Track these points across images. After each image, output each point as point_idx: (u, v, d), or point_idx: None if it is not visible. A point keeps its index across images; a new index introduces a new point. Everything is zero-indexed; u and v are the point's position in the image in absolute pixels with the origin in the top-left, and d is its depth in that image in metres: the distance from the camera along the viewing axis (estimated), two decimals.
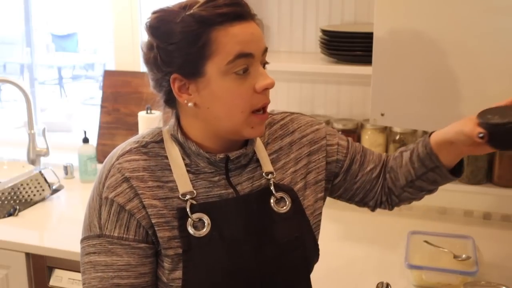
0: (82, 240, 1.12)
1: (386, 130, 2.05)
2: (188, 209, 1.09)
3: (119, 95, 2.49)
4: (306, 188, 1.22)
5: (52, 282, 1.90)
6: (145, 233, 1.09)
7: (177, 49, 1.05)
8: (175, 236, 1.08)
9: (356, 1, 2.06)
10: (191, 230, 1.08)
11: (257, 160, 1.18)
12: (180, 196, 1.10)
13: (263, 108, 1.10)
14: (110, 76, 2.53)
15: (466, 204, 2.06)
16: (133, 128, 2.40)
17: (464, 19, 1.48)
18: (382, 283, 1.49)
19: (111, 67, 2.64)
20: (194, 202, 1.10)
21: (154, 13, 1.09)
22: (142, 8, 2.51)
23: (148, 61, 1.10)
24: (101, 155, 2.48)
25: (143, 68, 2.56)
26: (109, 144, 2.50)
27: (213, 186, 1.13)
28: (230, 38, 1.04)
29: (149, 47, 1.09)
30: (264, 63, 1.11)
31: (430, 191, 1.29)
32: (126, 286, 1.08)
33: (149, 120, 2.26)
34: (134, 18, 2.50)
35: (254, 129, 1.10)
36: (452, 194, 2.05)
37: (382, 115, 1.61)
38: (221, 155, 1.12)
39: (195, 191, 1.11)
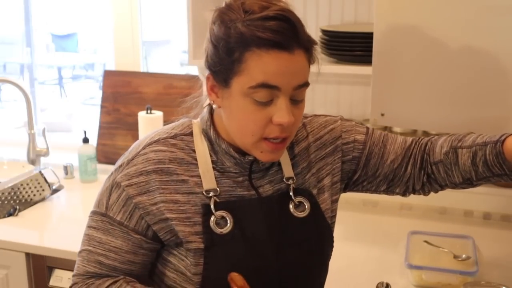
0: (91, 213, 1.15)
1: (386, 130, 2.05)
2: (212, 206, 1.09)
3: (119, 95, 2.49)
4: (324, 191, 1.22)
5: (52, 282, 1.90)
6: (146, 227, 1.11)
7: (217, 53, 1.05)
8: (197, 232, 1.09)
9: (356, 1, 2.06)
10: (213, 227, 1.09)
11: (279, 164, 1.18)
12: (204, 192, 1.10)
13: (277, 140, 1.07)
14: (110, 76, 2.53)
15: (466, 204, 2.06)
16: (133, 128, 2.40)
17: (465, 19, 1.48)
18: (382, 283, 1.49)
19: (111, 67, 2.64)
20: (217, 199, 1.10)
21: (224, 5, 1.07)
22: (142, 8, 2.51)
23: (205, 47, 1.10)
24: (101, 155, 2.48)
25: (143, 68, 2.57)
26: (109, 144, 2.50)
27: (236, 186, 1.13)
28: (260, 65, 1.01)
29: (208, 37, 1.09)
30: (296, 99, 1.06)
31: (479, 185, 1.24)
32: (108, 266, 1.12)
33: (149, 120, 2.26)
34: (134, 18, 2.51)
35: (263, 154, 1.08)
36: (452, 194, 2.05)
37: (382, 115, 1.61)
38: (250, 157, 1.12)
39: (218, 189, 1.11)
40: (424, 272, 1.60)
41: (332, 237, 1.23)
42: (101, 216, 1.12)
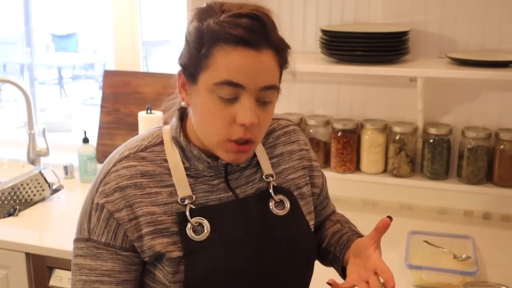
0: (74, 241, 1.12)
1: (386, 130, 2.05)
2: (187, 214, 1.08)
3: (119, 95, 2.49)
4: (302, 198, 1.22)
5: (52, 282, 1.90)
6: (131, 242, 1.08)
7: (188, 49, 1.06)
8: (175, 242, 1.07)
9: (356, 1, 2.06)
10: (190, 234, 1.07)
11: (257, 163, 1.18)
12: (179, 200, 1.09)
13: (246, 140, 1.05)
14: (110, 76, 2.53)
15: (466, 204, 2.06)
16: (133, 128, 2.40)
17: None
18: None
19: (111, 67, 2.64)
20: (193, 206, 1.09)
21: (204, 5, 1.08)
22: (142, 8, 2.51)
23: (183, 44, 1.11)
24: (101, 155, 2.48)
25: (143, 68, 2.57)
26: (109, 144, 2.50)
27: (212, 190, 1.12)
28: (226, 61, 1.00)
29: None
30: (263, 100, 1.04)
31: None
32: None
33: (149, 120, 2.26)
34: (134, 18, 2.50)
35: (228, 154, 1.07)
36: (452, 194, 2.05)
37: None
38: (223, 161, 1.11)
39: (194, 196, 1.10)
40: (424, 272, 1.60)
41: (312, 234, 1.23)
42: (85, 242, 1.09)
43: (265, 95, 1.04)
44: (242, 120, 1.02)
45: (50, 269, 1.91)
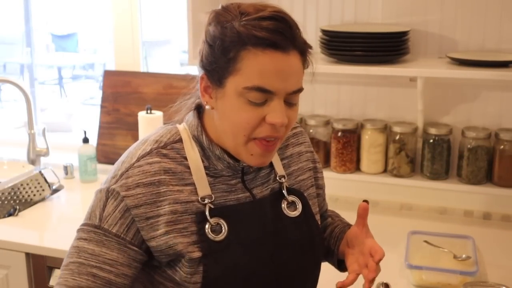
0: (80, 226, 1.09)
1: (386, 130, 2.05)
2: (207, 213, 1.08)
3: (119, 95, 2.49)
4: (309, 199, 1.23)
5: (52, 282, 1.90)
6: (141, 240, 1.07)
7: (212, 53, 1.04)
8: (194, 242, 1.07)
9: (356, 1, 2.06)
10: (209, 234, 1.07)
11: (271, 164, 1.18)
12: (199, 199, 1.09)
13: (271, 139, 1.06)
14: (110, 76, 2.53)
15: (466, 204, 2.06)
16: (133, 128, 2.40)
17: None
18: (382, 283, 1.49)
19: (111, 67, 2.64)
20: (212, 206, 1.09)
21: (220, 8, 1.08)
22: (142, 8, 2.52)
23: (200, 48, 1.10)
24: (101, 155, 2.48)
25: (143, 68, 2.57)
26: (109, 144, 2.50)
27: (230, 191, 1.12)
28: (256, 65, 1.00)
29: (203, 38, 1.08)
30: (290, 102, 1.06)
31: None
32: (103, 279, 1.05)
33: (149, 120, 2.26)
34: (134, 18, 2.51)
35: (254, 157, 1.08)
36: (452, 194, 2.05)
37: None
38: (244, 163, 1.11)
39: (213, 195, 1.10)
40: (424, 272, 1.60)
41: (322, 235, 1.24)
42: (94, 228, 1.06)
43: (293, 97, 1.06)
44: (273, 120, 1.03)
45: (50, 269, 1.91)
